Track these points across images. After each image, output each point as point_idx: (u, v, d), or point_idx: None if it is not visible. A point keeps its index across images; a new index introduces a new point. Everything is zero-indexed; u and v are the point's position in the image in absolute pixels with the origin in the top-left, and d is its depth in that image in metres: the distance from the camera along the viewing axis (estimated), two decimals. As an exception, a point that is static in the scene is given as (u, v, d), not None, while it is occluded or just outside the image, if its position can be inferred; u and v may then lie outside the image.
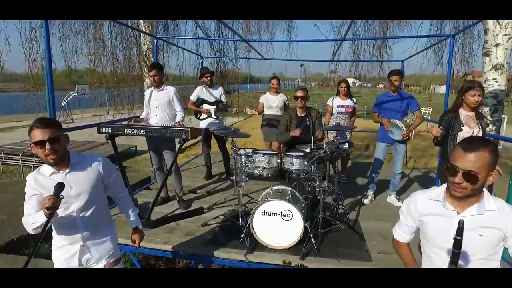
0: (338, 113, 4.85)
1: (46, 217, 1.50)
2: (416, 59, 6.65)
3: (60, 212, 1.71)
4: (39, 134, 1.58)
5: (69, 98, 20.62)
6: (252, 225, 2.93)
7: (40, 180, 1.70)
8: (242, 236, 2.99)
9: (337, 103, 4.86)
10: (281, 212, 2.88)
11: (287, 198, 2.91)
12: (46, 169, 1.72)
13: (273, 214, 2.90)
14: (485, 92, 4.97)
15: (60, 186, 1.53)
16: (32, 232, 1.61)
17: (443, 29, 7.80)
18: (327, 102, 4.99)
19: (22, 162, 10.68)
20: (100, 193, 1.86)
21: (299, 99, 3.65)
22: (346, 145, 3.13)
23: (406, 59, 6.04)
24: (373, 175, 4.26)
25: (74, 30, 6.36)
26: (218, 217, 3.49)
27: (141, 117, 3.89)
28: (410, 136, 3.99)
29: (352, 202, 4.21)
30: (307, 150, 3.05)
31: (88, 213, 1.79)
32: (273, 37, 8.39)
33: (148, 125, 3.68)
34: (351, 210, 3.94)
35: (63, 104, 20.12)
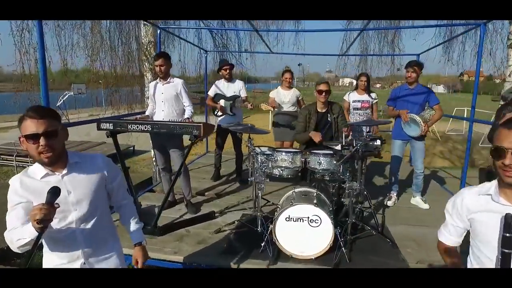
0: (354, 108, 4.53)
1: (37, 231, 1.16)
2: (435, 52, 6.13)
3: (56, 223, 1.36)
4: (32, 126, 1.25)
5: (65, 97, 20.13)
6: (274, 232, 2.60)
7: (28, 184, 1.34)
8: (262, 244, 2.65)
9: (353, 98, 4.54)
10: (308, 217, 2.55)
11: (315, 201, 2.58)
12: (37, 170, 1.37)
13: (299, 220, 2.56)
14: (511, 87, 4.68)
15: (54, 192, 1.19)
16: (17, 251, 1.26)
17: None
18: (344, 98, 4.66)
19: (17, 162, 10.31)
20: (103, 199, 1.52)
21: (323, 94, 3.30)
22: (378, 142, 2.80)
23: (422, 52, 5.70)
24: (395, 174, 3.95)
25: (70, 23, 5.97)
26: (234, 222, 3.15)
27: (146, 113, 3.54)
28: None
29: (374, 204, 3.88)
30: (338, 147, 2.72)
31: (90, 224, 1.45)
32: (279, 34, 7.98)
33: (155, 120, 3.33)
34: (376, 213, 3.60)
35: (58, 103, 19.62)
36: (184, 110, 3.45)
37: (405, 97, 3.74)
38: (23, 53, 4.54)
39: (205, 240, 2.92)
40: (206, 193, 4.15)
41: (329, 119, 3.43)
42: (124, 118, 3.45)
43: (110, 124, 2.97)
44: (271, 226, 2.65)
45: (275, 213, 2.75)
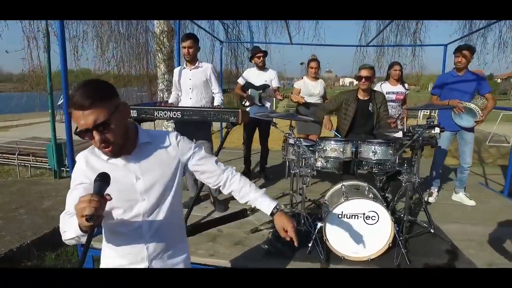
0: (388, 100, 4.22)
1: (82, 230, 0.89)
2: (468, 42, 5.71)
3: (119, 214, 1.10)
4: (80, 118, 0.97)
5: (66, 96, 19.80)
6: (325, 231, 2.30)
7: (93, 163, 1.11)
8: (310, 244, 2.35)
9: (387, 89, 4.23)
10: (364, 213, 2.25)
11: (370, 195, 2.29)
12: None
13: (353, 217, 2.27)
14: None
15: (104, 180, 0.91)
16: (66, 242, 1.01)
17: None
18: (374, 89, 4.36)
19: (19, 161, 10.02)
20: (177, 188, 1.22)
21: (363, 80, 3.00)
22: (436, 130, 2.49)
23: (450, 43, 5.39)
24: (438, 169, 3.65)
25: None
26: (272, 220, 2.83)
27: (169, 101, 3.24)
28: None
29: (413, 199, 3.58)
30: (399, 135, 2.42)
31: (159, 219, 1.16)
32: (300, 24, 7.64)
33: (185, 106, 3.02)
34: (418, 210, 3.31)
35: (59, 103, 19.29)
36: (213, 98, 3.15)
37: (453, 84, 3.42)
38: (31, 39, 4.22)
39: (242, 241, 2.62)
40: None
41: (370, 108, 3.13)
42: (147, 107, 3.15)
43: (134, 111, 2.69)
44: (319, 224, 2.35)
45: (324, 209, 2.46)
